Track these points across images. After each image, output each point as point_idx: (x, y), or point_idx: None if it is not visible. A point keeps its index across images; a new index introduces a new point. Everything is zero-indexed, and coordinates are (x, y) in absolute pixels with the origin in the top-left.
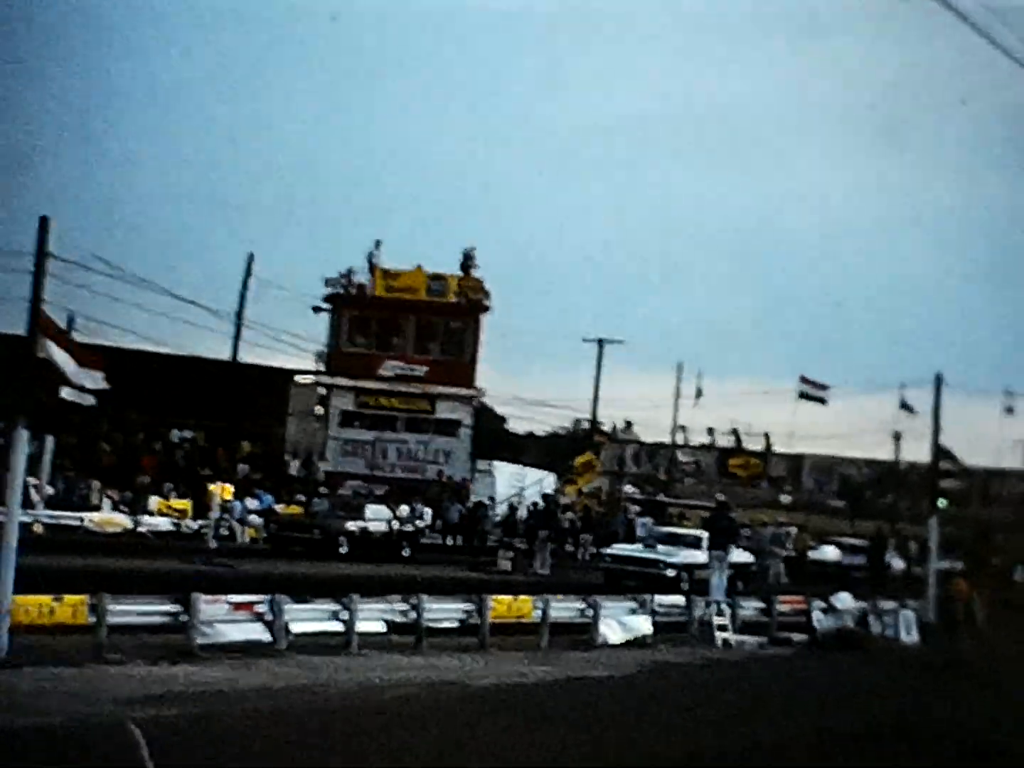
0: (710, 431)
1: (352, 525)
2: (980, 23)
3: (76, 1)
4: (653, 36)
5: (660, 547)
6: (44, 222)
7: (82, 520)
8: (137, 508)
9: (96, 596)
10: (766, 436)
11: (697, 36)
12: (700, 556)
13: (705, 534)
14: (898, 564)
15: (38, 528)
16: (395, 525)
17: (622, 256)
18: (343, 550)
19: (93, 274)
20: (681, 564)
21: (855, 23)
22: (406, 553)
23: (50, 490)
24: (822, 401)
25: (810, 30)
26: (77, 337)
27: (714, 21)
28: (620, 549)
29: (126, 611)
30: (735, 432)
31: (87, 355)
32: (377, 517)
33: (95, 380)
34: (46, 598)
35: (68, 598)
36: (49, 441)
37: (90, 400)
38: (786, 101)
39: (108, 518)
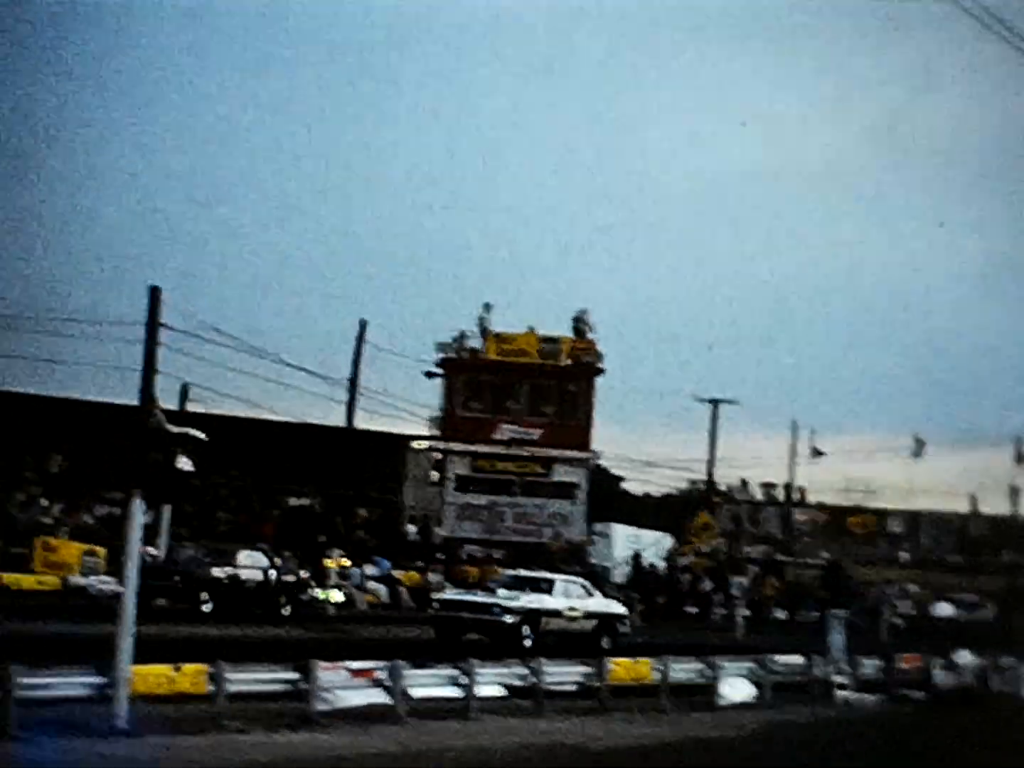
0: (829, 491)
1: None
2: None
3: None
4: (749, 92)
5: (500, 591)
6: (155, 292)
7: None
8: None
9: (215, 665)
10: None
11: (788, 93)
12: (549, 601)
13: (558, 577)
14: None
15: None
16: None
17: (735, 313)
18: None
19: (205, 343)
20: (522, 610)
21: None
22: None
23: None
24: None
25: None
26: (191, 407)
27: (809, 79)
28: (452, 594)
29: (245, 679)
30: (851, 490)
31: (197, 423)
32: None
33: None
34: (165, 667)
35: (187, 667)
36: (166, 510)
37: (200, 468)
38: (882, 154)
39: None
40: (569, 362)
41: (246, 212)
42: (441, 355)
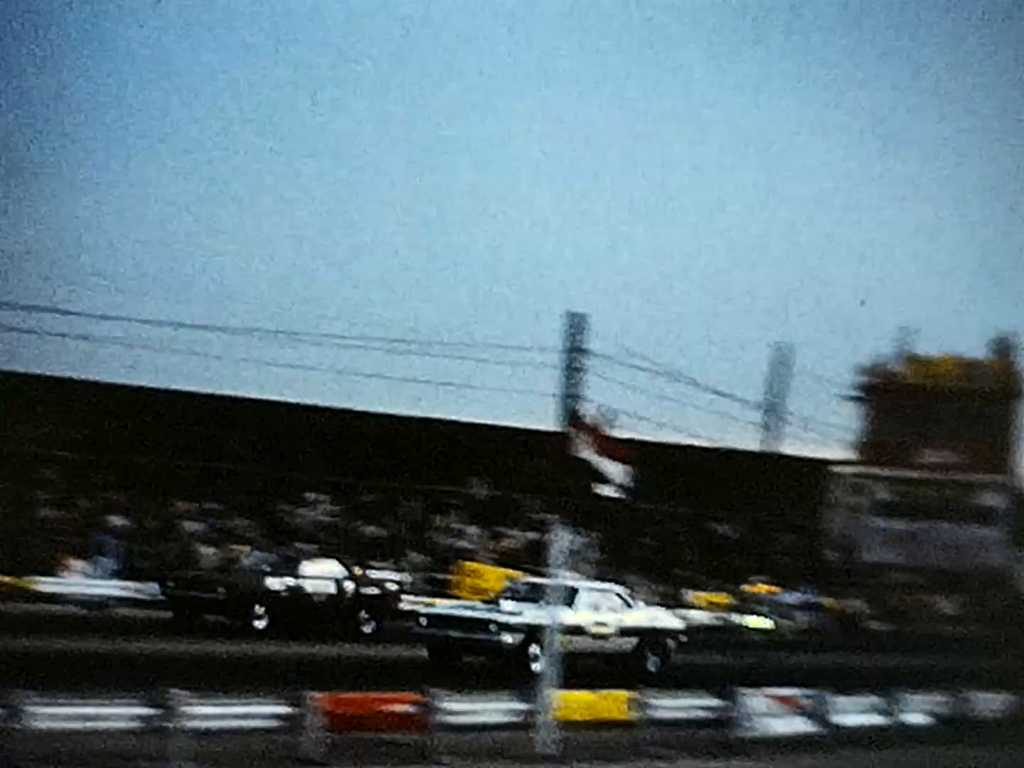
0: None
1: None
2: None
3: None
4: None
5: (504, 604)
6: (574, 318)
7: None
8: (675, 602)
9: (638, 691)
10: None
11: None
12: (567, 615)
13: (583, 584)
14: None
15: None
16: None
17: None
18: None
19: (625, 368)
20: (527, 627)
21: None
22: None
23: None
24: None
25: None
26: (614, 432)
27: None
28: (442, 608)
29: (668, 706)
30: None
31: (616, 448)
32: None
33: (623, 474)
34: (589, 694)
35: (610, 693)
36: (587, 536)
37: (622, 494)
38: None
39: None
40: (991, 386)
41: (657, 236)
42: (861, 379)
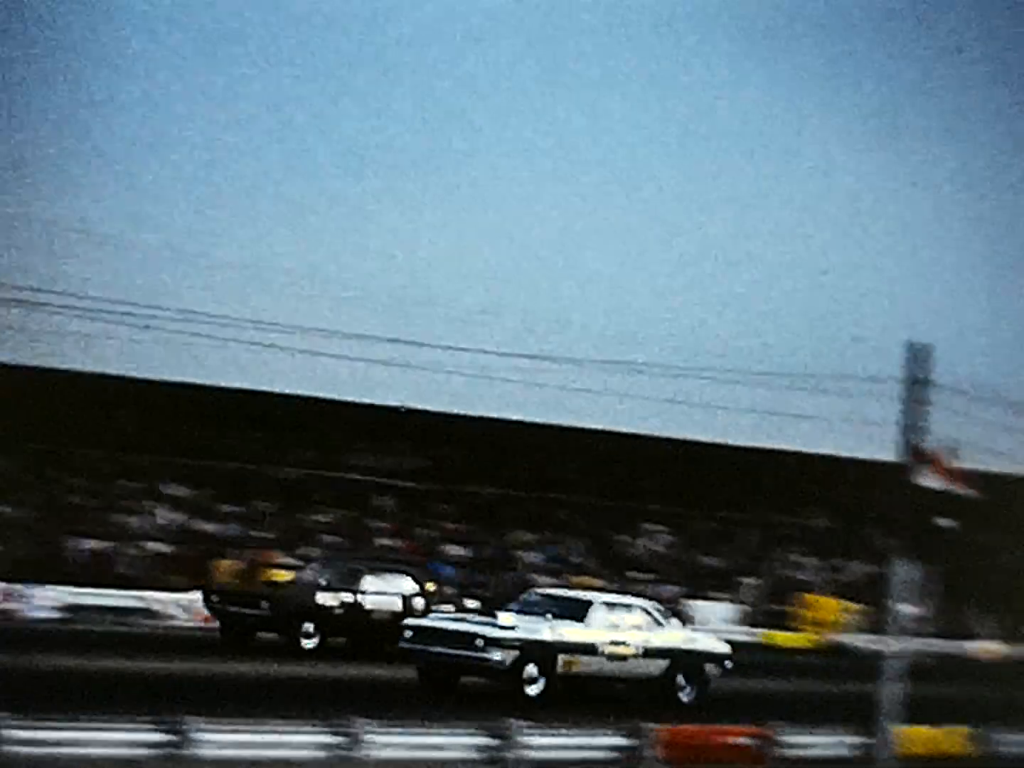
0: None
1: None
2: None
3: None
4: None
5: (502, 616)
6: (915, 349)
7: (960, 647)
8: (1016, 634)
9: (976, 727)
10: None
11: None
12: (575, 632)
13: (599, 597)
14: None
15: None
16: None
17: None
18: None
19: (966, 398)
20: (520, 643)
21: None
22: None
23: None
24: None
25: None
26: (957, 463)
27: None
28: (430, 620)
29: (1011, 741)
30: None
31: (958, 479)
32: None
33: (964, 505)
34: (929, 728)
35: (950, 728)
36: (928, 568)
37: (964, 526)
38: None
39: (984, 646)
40: None
41: (994, 262)
42: None
